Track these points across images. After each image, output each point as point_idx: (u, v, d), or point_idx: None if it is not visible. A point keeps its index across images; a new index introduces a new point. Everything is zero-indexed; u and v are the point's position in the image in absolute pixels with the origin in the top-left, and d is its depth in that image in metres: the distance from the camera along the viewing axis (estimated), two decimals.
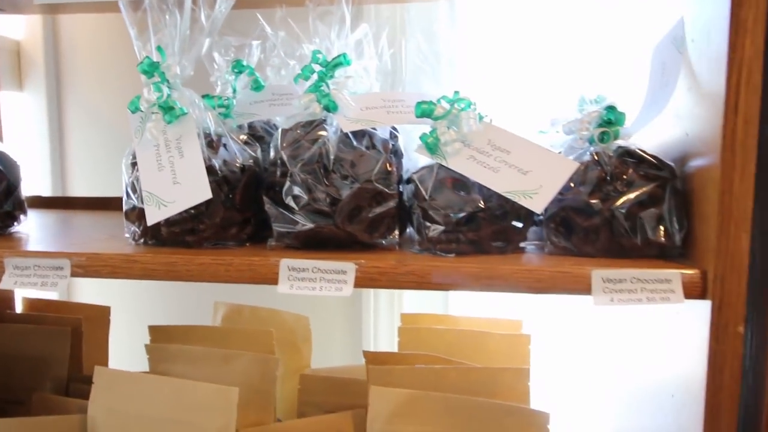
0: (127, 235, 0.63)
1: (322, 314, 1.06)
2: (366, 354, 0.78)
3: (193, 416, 0.65)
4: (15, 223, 0.71)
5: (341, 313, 1.09)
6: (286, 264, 0.55)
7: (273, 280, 0.56)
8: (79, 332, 0.87)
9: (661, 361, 0.65)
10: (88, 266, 0.57)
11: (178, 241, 0.60)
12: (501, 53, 0.73)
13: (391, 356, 0.84)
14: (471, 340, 0.85)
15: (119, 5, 0.57)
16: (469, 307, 1.05)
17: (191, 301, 0.95)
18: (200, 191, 0.55)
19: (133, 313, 0.99)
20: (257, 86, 0.73)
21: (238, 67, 0.72)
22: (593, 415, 0.96)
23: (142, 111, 0.59)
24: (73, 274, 0.57)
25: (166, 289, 1.06)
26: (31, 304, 0.97)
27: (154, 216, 0.56)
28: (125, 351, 0.90)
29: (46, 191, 1.06)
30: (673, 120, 0.60)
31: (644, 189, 0.57)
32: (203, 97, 0.64)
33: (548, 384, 0.62)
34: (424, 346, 0.82)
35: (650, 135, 0.62)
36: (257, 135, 0.72)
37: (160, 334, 0.81)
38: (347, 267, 0.55)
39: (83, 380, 0.84)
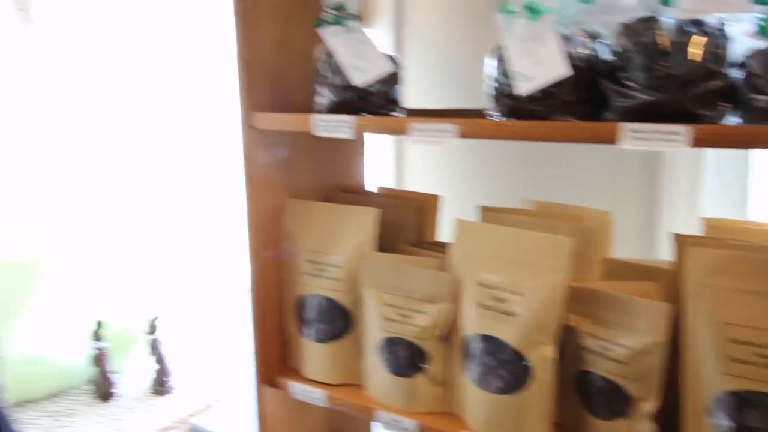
0: (493, 112, 0.82)
1: (620, 216, 1.16)
2: (675, 234, 0.88)
3: (531, 257, 0.83)
4: (396, 110, 0.96)
5: (639, 215, 1.19)
6: (628, 127, 0.69)
7: (612, 140, 0.70)
8: (422, 209, 1.11)
9: None
10: (469, 130, 0.78)
11: (536, 116, 0.77)
12: None
13: (698, 238, 0.93)
14: None
15: None
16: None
17: (502, 201, 1.12)
18: (560, 69, 0.72)
19: (456, 205, 1.21)
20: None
21: None
22: None
23: (509, 12, 0.76)
24: (460, 135, 0.78)
25: (482, 190, 1.26)
26: (381, 191, 1.26)
27: (523, 88, 0.74)
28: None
29: None
30: None
31: None
32: None
33: None
34: None
35: None
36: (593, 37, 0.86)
37: (489, 211, 1.01)
38: (680, 129, 0.67)
39: (425, 245, 1.09)
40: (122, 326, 1.65)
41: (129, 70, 1.65)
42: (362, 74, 0.89)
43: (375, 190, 1.27)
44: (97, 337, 1.54)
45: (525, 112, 0.78)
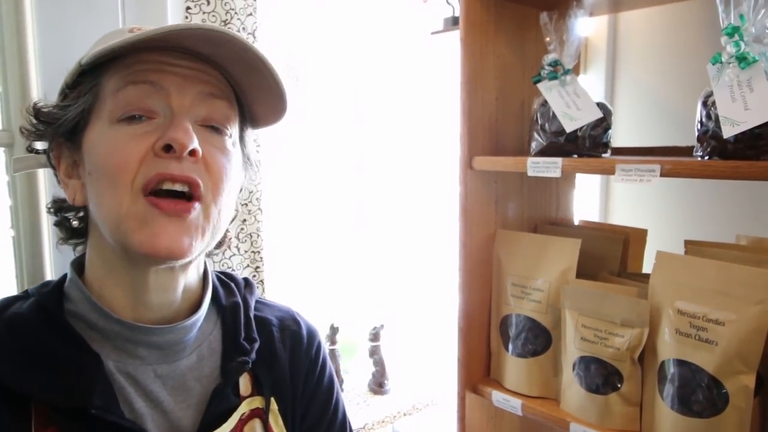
0: (698, 153, 0.88)
1: None
2: None
3: (732, 289, 0.87)
4: (604, 151, 1.06)
5: None
6: None
7: None
8: (627, 242, 1.18)
9: None
10: (672, 169, 0.86)
11: (740, 156, 0.83)
12: None
13: None
14: None
15: None
16: None
17: (715, 236, 1.14)
18: (765, 113, 0.77)
19: (667, 240, 1.25)
20: None
21: None
22: None
23: (720, 62, 0.84)
24: (664, 174, 0.86)
25: (691, 225, 1.29)
26: (585, 223, 1.35)
27: (729, 131, 0.80)
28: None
29: None
30: None
31: None
32: None
33: None
34: None
35: None
36: None
37: (693, 245, 1.05)
38: None
39: (628, 275, 1.16)
40: (350, 332, 1.91)
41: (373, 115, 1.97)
42: (573, 122, 1.01)
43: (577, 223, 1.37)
44: (331, 340, 1.80)
45: (731, 152, 0.84)
